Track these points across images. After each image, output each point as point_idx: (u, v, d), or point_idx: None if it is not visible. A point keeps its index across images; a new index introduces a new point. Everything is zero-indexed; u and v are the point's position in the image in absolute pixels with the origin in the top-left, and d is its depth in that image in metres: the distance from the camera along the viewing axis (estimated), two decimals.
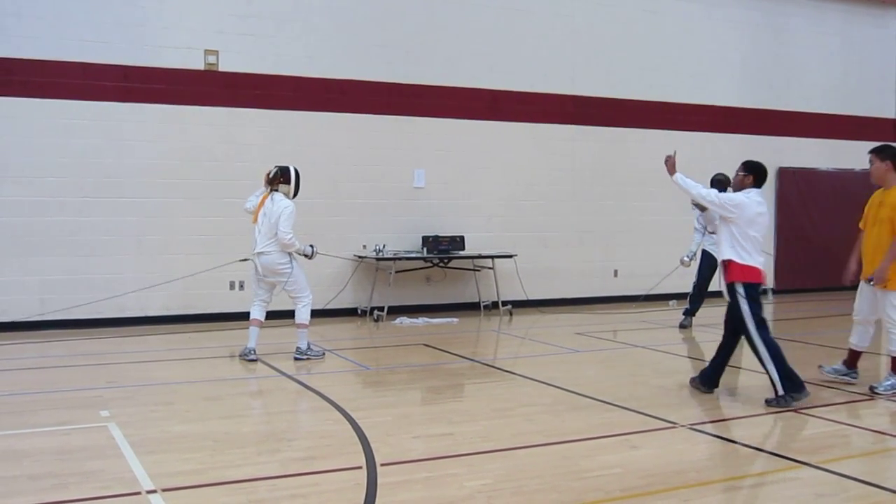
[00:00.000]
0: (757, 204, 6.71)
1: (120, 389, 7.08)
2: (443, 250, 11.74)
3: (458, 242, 11.87)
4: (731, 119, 14.38)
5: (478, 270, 12.29)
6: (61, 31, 10.20)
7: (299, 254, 8.30)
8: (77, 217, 10.35)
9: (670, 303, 12.79)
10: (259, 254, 8.26)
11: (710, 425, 6.09)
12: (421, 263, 11.91)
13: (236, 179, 10.74)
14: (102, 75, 10.39)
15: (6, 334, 9.80)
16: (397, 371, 8.13)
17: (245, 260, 9.64)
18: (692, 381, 7.14)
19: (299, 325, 8.38)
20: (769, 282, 14.89)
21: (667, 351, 9.21)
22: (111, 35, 10.42)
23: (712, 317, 11.13)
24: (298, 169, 8.46)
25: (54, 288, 10.24)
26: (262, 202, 8.31)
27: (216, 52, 10.91)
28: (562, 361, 8.59)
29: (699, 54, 14.11)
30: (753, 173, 6.87)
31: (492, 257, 12.08)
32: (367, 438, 5.52)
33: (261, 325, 8.40)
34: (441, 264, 12.02)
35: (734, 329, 6.82)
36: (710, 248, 10.85)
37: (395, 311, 11.55)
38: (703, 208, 7.19)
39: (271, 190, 8.34)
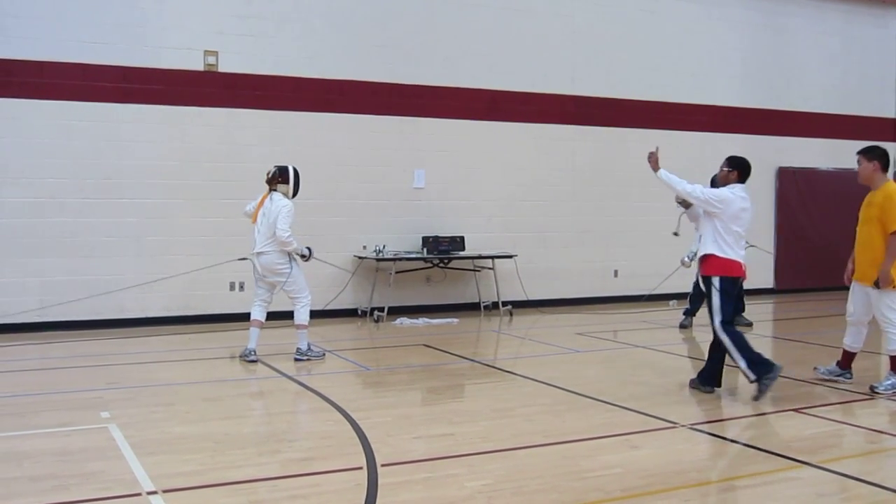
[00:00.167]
0: (741, 199, 6.82)
1: (120, 391, 7.07)
2: (443, 251, 11.74)
3: (459, 243, 11.87)
4: (731, 119, 14.37)
5: (478, 271, 12.29)
6: (60, 32, 10.19)
7: (296, 254, 8.29)
8: (77, 218, 10.35)
9: (670, 303, 12.79)
10: (258, 254, 8.26)
11: (710, 425, 6.08)
12: (421, 264, 11.91)
13: (236, 180, 10.75)
14: (102, 76, 10.39)
15: (6, 335, 9.80)
16: (397, 371, 8.13)
17: (244, 259, 9.65)
18: (692, 382, 7.14)
19: (299, 326, 8.38)
20: (770, 280, 14.92)
21: (667, 351, 9.21)
22: (110, 36, 10.41)
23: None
24: (298, 169, 8.46)
25: (54, 289, 10.23)
26: (262, 202, 8.32)
27: (216, 53, 10.91)
28: (562, 361, 8.59)
29: (699, 54, 14.11)
30: (738, 169, 6.99)
31: (492, 257, 12.08)
32: (367, 439, 5.51)
33: (261, 326, 8.40)
34: (441, 265, 12.02)
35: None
36: None
37: (396, 311, 11.54)
38: (687, 205, 7.22)
39: (270, 190, 8.34)
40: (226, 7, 10.99)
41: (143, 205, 10.62)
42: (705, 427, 6.00)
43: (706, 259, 6.80)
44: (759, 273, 14.37)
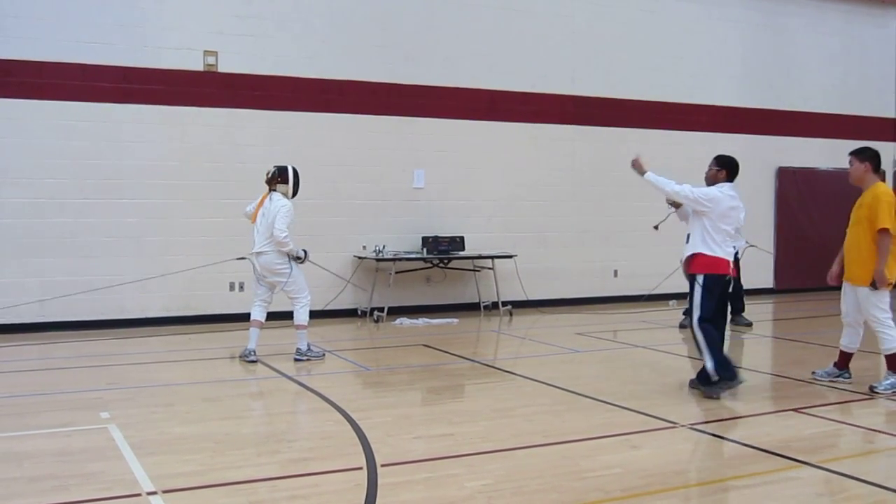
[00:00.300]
0: (730, 198, 6.87)
1: (120, 391, 7.08)
2: (443, 251, 11.74)
3: (458, 243, 11.87)
4: (731, 119, 14.37)
5: (478, 271, 12.29)
6: (60, 32, 10.19)
7: (291, 255, 8.27)
8: (77, 218, 10.35)
9: (670, 303, 12.79)
10: (257, 254, 8.26)
11: (710, 425, 6.08)
12: (421, 264, 11.91)
13: (236, 180, 10.75)
14: (101, 76, 10.39)
15: (6, 336, 9.79)
16: (397, 372, 8.13)
17: (243, 259, 9.66)
18: (691, 382, 7.14)
19: (298, 326, 8.38)
20: (769, 280, 14.92)
21: (667, 351, 9.21)
22: (110, 36, 10.41)
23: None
24: (297, 169, 8.46)
25: (54, 289, 10.23)
26: (262, 202, 8.32)
27: (215, 53, 10.91)
28: (562, 362, 8.59)
29: (699, 54, 14.11)
30: (726, 168, 7.04)
31: (492, 258, 12.08)
32: (367, 439, 5.51)
33: (261, 327, 8.40)
34: (441, 265, 12.02)
35: (719, 319, 6.94)
36: None
37: (395, 311, 11.54)
38: (677, 205, 7.27)
39: (270, 190, 8.34)
40: (225, 7, 10.99)
41: (143, 205, 10.62)
42: (705, 427, 6.00)
43: (694, 258, 6.87)
44: (759, 273, 14.39)
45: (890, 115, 16.23)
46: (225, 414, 6.36)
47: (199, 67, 10.86)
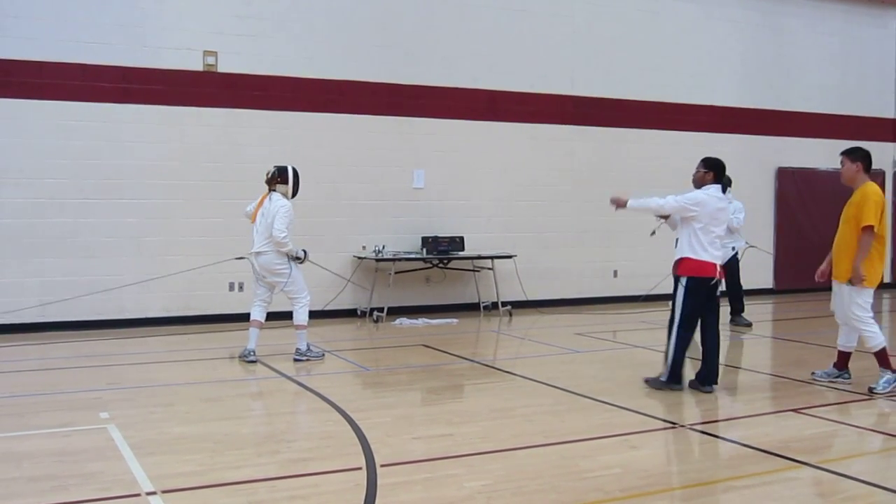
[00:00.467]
0: (717, 200, 6.96)
1: (120, 391, 7.08)
2: (442, 251, 11.74)
3: (458, 243, 11.87)
4: (730, 119, 14.38)
5: (477, 271, 12.29)
6: (60, 32, 10.19)
7: (291, 255, 8.27)
8: (76, 218, 10.35)
9: (670, 303, 12.76)
10: (257, 253, 8.26)
11: (709, 425, 6.09)
12: (420, 264, 11.91)
13: (236, 180, 10.75)
14: (101, 76, 10.39)
15: (6, 336, 9.79)
16: (397, 372, 8.13)
17: (242, 258, 9.67)
18: (691, 382, 7.14)
19: (298, 327, 8.37)
20: (769, 280, 14.92)
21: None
22: (110, 36, 10.42)
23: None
24: (297, 169, 8.45)
25: (54, 289, 10.23)
26: (261, 202, 8.32)
27: (215, 53, 10.91)
28: (561, 362, 8.59)
29: (698, 54, 14.11)
30: (713, 170, 7.12)
31: (491, 258, 12.08)
32: (366, 439, 5.51)
33: (261, 327, 8.40)
34: (441, 265, 12.02)
35: (708, 321, 7.04)
36: None
37: (395, 311, 11.54)
38: (664, 216, 7.35)
39: (270, 190, 8.34)
40: (225, 7, 10.99)
41: (143, 205, 10.62)
42: (704, 427, 6.00)
43: (680, 262, 6.97)
44: (759, 273, 14.39)
45: (889, 115, 16.24)
46: (224, 414, 6.36)
47: (199, 67, 10.87)
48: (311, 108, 11.44)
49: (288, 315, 8.57)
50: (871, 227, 6.82)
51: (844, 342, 7.29)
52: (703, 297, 6.93)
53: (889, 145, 16.15)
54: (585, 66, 13.18)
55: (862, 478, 4.82)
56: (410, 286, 12.01)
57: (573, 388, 7.09)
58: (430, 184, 12.15)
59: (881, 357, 6.99)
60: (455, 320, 11.39)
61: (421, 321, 11.23)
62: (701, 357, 7.13)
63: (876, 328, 6.94)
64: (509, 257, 12.21)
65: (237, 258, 10.35)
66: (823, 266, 7.41)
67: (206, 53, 10.88)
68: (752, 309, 11.66)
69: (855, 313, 6.91)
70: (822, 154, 15.19)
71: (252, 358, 8.27)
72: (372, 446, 5.35)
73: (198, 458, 5.12)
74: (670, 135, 13.66)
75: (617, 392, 7.00)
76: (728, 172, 10.91)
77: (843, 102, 15.51)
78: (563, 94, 13.03)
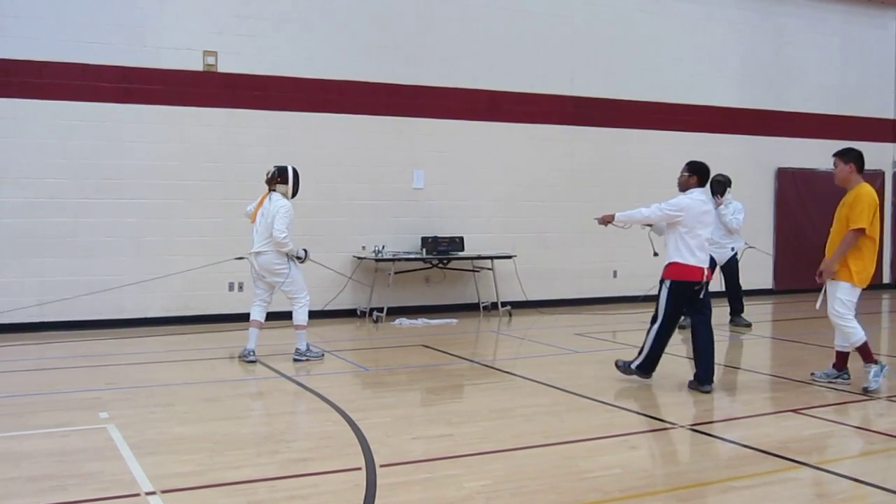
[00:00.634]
0: (701, 203, 7.08)
1: (119, 391, 7.07)
2: (442, 251, 11.74)
3: (458, 243, 11.87)
4: (729, 119, 14.38)
5: (477, 271, 12.29)
6: (60, 32, 10.20)
7: (291, 255, 8.28)
8: (76, 218, 10.35)
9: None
10: (256, 253, 8.26)
11: (709, 426, 6.09)
12: (420, 264, 11.91)
13: (235, 180, 10.75)
14: (101, 76, 10.39)
15: (5, 335, 9.79)
16: (396, 372, 8.13)
17: (241, 258, 9.67)
18: (690, 383, 7.15)
19: (297, 327, 8.37)
20: (769, 281, 14.92)
21: (666, 352, 9.18)
22: (110, 36, 10.42)
23: (713, 316, 11.13)
24: (297, 169, 8.45)
25: (53, 289, 10.23)
26: (261, 202, 8.32)
27: (215, 53, 10.91)
28: (561, 362, 8.59)
29: (698, 55, 14.12)
30: (697, 174, 7.22)
31: (491, 258, 12.08)
32: (366, 439, 5.51)
33: (260, 327, 8.39)
34: (440, 265, 12.02)
35: (699, 318, 7.13)
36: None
37: (395, 312, 11.55)
38: (649, 224, 7.48)
39: (270, 190, 8.34)
40: (225, 7, 10.99)
41: (143, 205, 10.62)
42: (704, 428, 6.00)
43: (667, 266, 7.13)
44: (759, 274, 14.39)
45: (889, 115, 16.24)
46: (224, 414, 6.36)
47: (199, 67, 10.87)
48: (311, 108, 11.44)
49: (288, 315, 8.57)
50: (862, 230, 6.83)
51: (842, 342, 7.30)
52: (687, 300, 7.09)
53: (889, 146, 16.15)
54: (585, 67, 13.18)
55: (861, 478, 4.82)
56: (410, 286, 12.01)
57: (573, 389, 7.09)
58: (429, 184, 12.15)
59: (863, 352, 7.03)
60: (455, 320, 11.39)
61: (420, 321, 11.23)
62: (694, 355, 7.18)
63: (855, 323, 6.95)
64: (509, 257, 12.21)
65: (237, 258, 10.35)
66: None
67: (206, 53, 10.88)
68: (751, 309, 11.67)
69: (836, 309, 6.94)
70: (822, 154, 15.12)
71: (251, 358, 8.27)
72: (371, 446, 5.35)
73: (197, 458, 5.12)
74: (670, 135, 13.66)
75: (616, 392, 7.01)
76: (728, 173, 11.08)
77: (842, 103, 15.52)
78: (563, 94, 13.04)
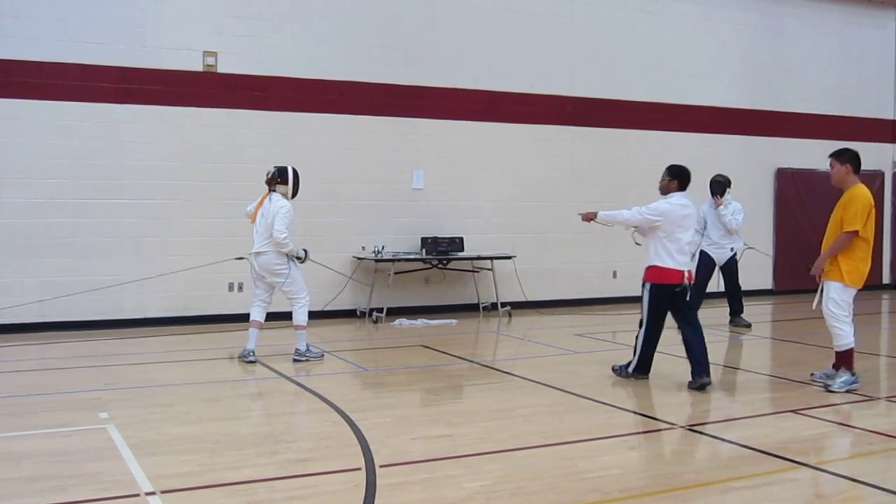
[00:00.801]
0: (681, 207, 7.19)
1: (119, 391, 7.08)
2: (442, 251, 11.75)
3: (457, 244, 11.88)
4: (729, 120, 14.39)
5: (477, 272, 12.29)
6: (59, 32, 10.20)
7: (292, 255, 8.28)
8: (76, 218, 10.35)
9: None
10: (256, 254, 8.27)
11: (708, 426, 6.09)
12: (420, 265, 11.91)
13: (235, 181, 10.76)
14: (101, 77, 10.40)
15: (5, 336, 9.79)
16: (396, 372, 8.13)
17: (241, 258, 9.67)
18: (689, 384, 7.16)
19: (297, 327, 8.38)
20: (768, 281, 14.93)
21: (666, 352, 9.19)
22: (109, 36, 10.42)
23: (712, 317, 11.15)
24: (297, 170, 8.45)
25: (53, 289, 10.23)
26: (261, 202, 8.33)
27: (215, 54, 10.92)
28: (561, 363, 8.60)
29: (698, 55, 14.12)
30: (678, 178, 7.34)
31: (491, 258, 12.08)
32: (365, 440, 5.52)
33: (260, 327, 8.40)
34: (440, 265, 12.02)
35: (682, 317, 7.28)
36: (707, 249, 10.87)
37: (394, 312, 11.55)
38: (633, 225, 7.51)
39: (270, 191, 8.34)
40: (225, 8, 11.00)
41: (143, 205, 10.63)
42: (703, 428, 6.00)
43: (647, 269, 7.25)
44: (758, 274, 14.40)
45: (888, 116, 16.24)
46: (224, 414, 6.36)
47: (199, 68, 10.87)
48: (311, 108, 11.44)
49: (287, 315, 8.57)
50: (855, 233, 6.83)
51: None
52: (668, 301, 7.22)
53: (888, 146, 16.15)
54: (585, 67, 13.19)
55: (860, 479, 4.82)
56: (410, 287, 12.01)
57: (572, 389, 7.10)
58: (429, 184, 12.16)
59: (846, 357, 7.01)
60: (454, 321, 11.39)
61: (420, 322, 11.23)
62: (687, 355, 7.23)
63: (848, 328, 6.93)
64: (509, 258, 12.21)
65: (237, 258, 10.34)
66: None
67: (206, 54, 10.88)
68: (751, 310, 11.67)
69: (830, 309, 6.93)
70: (822, 155, 15.01)
71: (251, 358, 8.27)
72: (371, 447, 5.35)
73: (197, 459, 5.13)
74: (670, 136, 13.67)
75: (616, 393, 7.01)
76: (727, 173, 11.10)
77: (842, 103, 15.52)
78: (563, 94, 13.04)
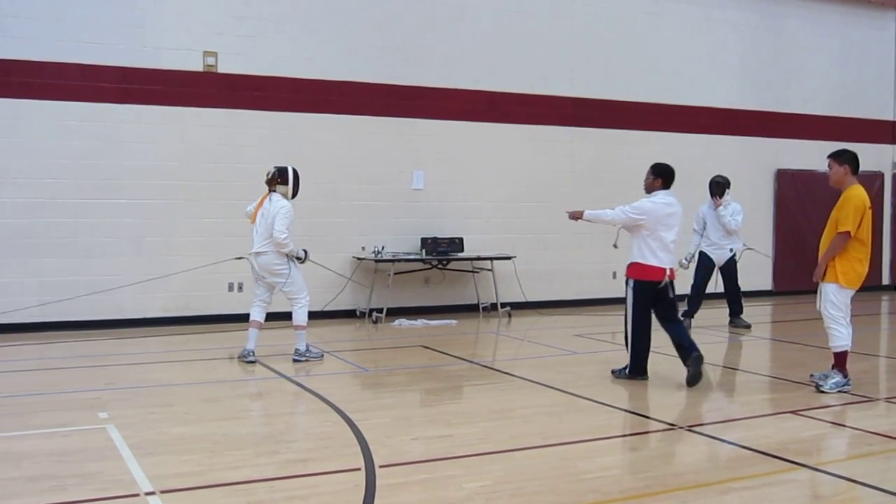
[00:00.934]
0: (665, 205, 7.26)
1: (119, 391, 7.08)
2: (442, 252, 11.75)
3: (457, 244, 11.88)
4: (729, 121, 14.39)
5: (477, 272, 12.30)
6: (60, 32, 10.20)
7: (291, 255, 8.28)
8: (76, 218, 10.35)
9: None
10: (256, 254, 8.27)
11: (708, 427, 6.09)
12: (420, 265, 11.91)
13: (235, 181, 10.76)
14: (101, 77, 10.40)
15: (5, 335, 9.80)
16: (396, 373, 8.13)
17: (241, 258, 9.67)
18: (687, 381, 7.16)
19: (297, 327, 8.38)
20: (768, 282, 14.93)
21: (665, 353, 9.19)
22: (110, 36, 10.42)
23: (712, 318, 11.17)
24: (297, 170, 8.46)
25: (53, 289, 10.24)
26: (261, 203, 8.33)
27: (215, 54, 10.92)
28: (560, 363, 8.60)
29: (698, 56, 14.13)
30: (662, 176, 7.42)
31: (491, 259, 12.09)
32: (365, 440, 5.52)
33: (260, 327, 8.40)
34: (440, 266, 12.03)
35: (663, 315, 7.37)
36: (707, 250, 10.87)
37: (394, 312, 11.55)
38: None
39: (270, 191, 8.34)
40: (225, 8, 11.00)
41: (143, 205, 10.63)
42: (703, 429, 6.00)
43: (630, 265, 7.35)
44: (758, 275, 14.40)
45: (888, 117, 16.25)
46: (223, 414, 6.36)
47: (199, 68, 10.87)
48: (311, 108, 11.44)
49: (287, 315, 8.57)
50: (847, 233, 6.86)
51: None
52: (651, 298, 7.28)
53: (888, 147, 16.16)
54: (585, 68, 13.19)
55: (860, 480, 4.82)
56: (410, 287, 12.02)
57: (572, 390, 7.10)
58: (429, 185, 12.16)
59: (839, 360, 7.01)
60: (454, 321, 11.39)
61: (420, 322, 11.24)
62: (679, 354, 7.29)
63: (844, 330, 6.93)
64: (508, 258, 12.21)
65: (237, 258, 10.35)
66: None
67: (206, 54, 10.88)
68: (750, 311, 11.67)
69: (828, 311, 6.94)
70: (822, 156, 14.93)
71: (251, 358, 8.28)
72: (371, 447, 5.35)
73: (196, 459, 5.13)
74: (670, 136, 13.67)
75: (615, 393, 7.01)
76: (727, 174, 11.11)
77: (842, 104, 15.52)
78: (563, 95, 13.04)
